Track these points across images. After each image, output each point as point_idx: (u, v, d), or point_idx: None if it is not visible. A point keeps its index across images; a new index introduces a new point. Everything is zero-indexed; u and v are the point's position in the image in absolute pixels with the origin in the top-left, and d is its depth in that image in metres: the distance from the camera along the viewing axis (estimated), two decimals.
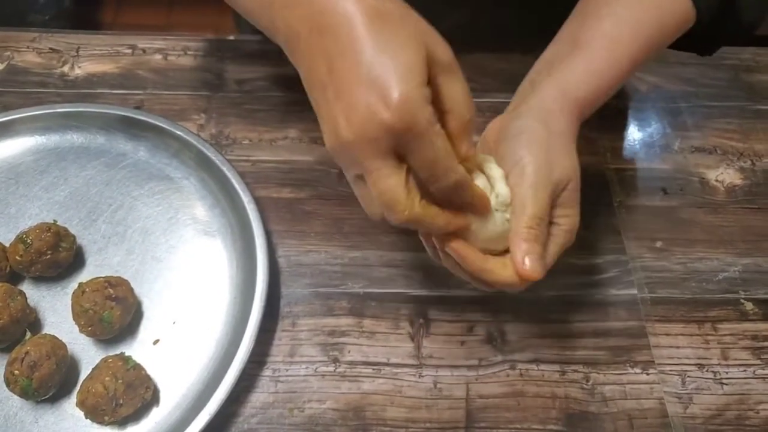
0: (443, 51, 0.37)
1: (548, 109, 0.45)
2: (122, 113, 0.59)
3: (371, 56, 0.35)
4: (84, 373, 0.47)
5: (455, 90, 0.38)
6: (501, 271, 0.41)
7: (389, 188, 0.36)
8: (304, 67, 0.39)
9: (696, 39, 0.53)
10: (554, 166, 0.42)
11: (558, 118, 0.44)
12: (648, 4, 0.50)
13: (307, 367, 0.50)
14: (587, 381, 0.49)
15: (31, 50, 0.67)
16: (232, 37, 0.69)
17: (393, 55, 0.35)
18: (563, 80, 0.46)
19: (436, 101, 0.37)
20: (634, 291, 0.54)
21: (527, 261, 0.40)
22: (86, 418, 0.45)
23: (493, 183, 0.42)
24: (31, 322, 0.49)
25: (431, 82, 0.37)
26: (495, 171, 0.42)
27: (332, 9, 0.36)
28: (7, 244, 0.51)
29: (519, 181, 0.41)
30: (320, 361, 0.50)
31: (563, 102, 0.45)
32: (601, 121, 0.65)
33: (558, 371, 0.50)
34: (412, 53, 0.35)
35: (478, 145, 0.48)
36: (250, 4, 0.44)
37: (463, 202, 0.40)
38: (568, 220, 0.43)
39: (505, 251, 0.42)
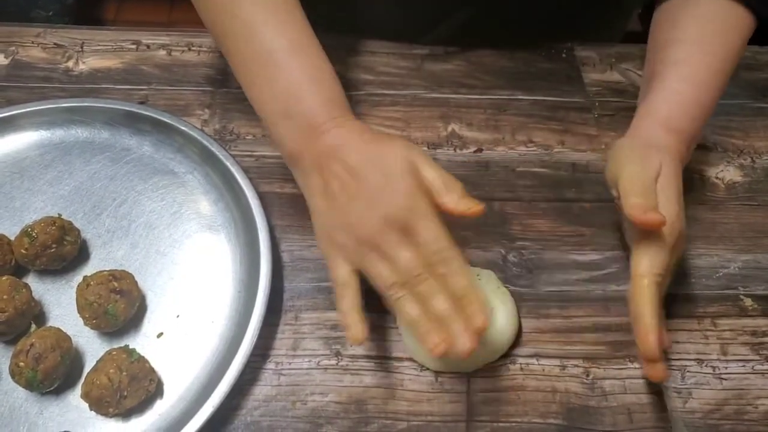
0: (420, 155, 0.46)
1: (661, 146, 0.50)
2: (127, 108, 0.59)
3: (369, 171, 0.45)
4: (88, 366, 0.48)
5: (430, 175, 0.46)
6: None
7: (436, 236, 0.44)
8: (308, 180, 0.48)
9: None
10: None
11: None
12: (713, 33, 0.53)
13: (309, 361, 0.50)
14: (587, 376, 0.50)
15: (35, 45, 0.68)
16: None
17: (387, 169, 0.45)
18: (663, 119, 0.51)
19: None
20: None
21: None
22: (91, 409, 0.46)
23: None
24: (36, 314, 0.50)
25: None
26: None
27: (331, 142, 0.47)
28: (13, 238, 0.51)
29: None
30: (323, 355, 0.50)
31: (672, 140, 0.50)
32: (602, 119, 0.65)
33: (558, 366, 0.50)
34: (402, 163, 0.45)
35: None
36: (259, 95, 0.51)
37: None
38: None
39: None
